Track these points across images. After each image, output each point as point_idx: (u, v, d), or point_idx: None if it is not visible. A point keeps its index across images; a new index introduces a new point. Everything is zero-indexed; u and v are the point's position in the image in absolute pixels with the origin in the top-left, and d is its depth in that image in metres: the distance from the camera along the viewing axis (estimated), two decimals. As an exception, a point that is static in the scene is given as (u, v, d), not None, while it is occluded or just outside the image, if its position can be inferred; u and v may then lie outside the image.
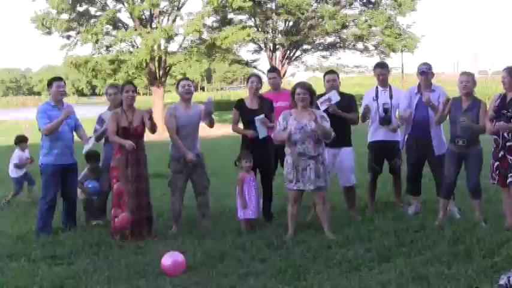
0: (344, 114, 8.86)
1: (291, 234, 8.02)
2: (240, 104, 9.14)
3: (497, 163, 7.96)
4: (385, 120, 9.19)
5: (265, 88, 10.53)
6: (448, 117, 8.44)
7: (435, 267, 6.36)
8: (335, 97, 8.73)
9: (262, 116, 8.68)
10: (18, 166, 12.09)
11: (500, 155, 7.91)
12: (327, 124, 7.97)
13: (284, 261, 6.89)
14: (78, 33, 36.48)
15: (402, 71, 52.69)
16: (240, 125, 9.09)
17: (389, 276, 6.18)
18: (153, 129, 8.64)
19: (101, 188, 9.51)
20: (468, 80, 8.25)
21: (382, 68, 9.57)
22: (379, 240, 7.51)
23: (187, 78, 9.37)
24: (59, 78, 9.31)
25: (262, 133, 8.69)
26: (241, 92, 71.34)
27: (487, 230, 7.70)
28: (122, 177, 8.42)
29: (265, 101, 9.08)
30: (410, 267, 6.37)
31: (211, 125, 9.09)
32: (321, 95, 8.86)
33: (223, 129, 26.78)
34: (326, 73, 9.39)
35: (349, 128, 9.11)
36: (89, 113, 38.33)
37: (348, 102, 9.09)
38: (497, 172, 7.98)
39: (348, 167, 9.05)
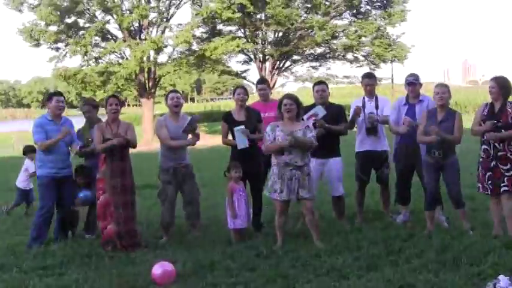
0: (332, 127, 8.94)
1: (279, 244, 8.06)
2: (227, 116, 9.20)
3: (489, 173, 7.96)
4: (372, 130, 9.25)
5: (254, 98, 10.60)
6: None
7: (423, 275, 6.39)
8: (321, 112, 8.80)
9: (241, 126, 8.74)
10: (32, 176, 12.00)
11: (492, 164, 7.91)
12: (310, 134, 8.02)
13: (273, 270, 6.92)
14: (66, 45, 36.57)
15: (392, 81, 52.91)
16: (230, 137, 9.12)
17: (377, 284, 6.22)
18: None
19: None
20: (444, 92, 8.28)
21: (369, 79, 9.62)
22: (368, 249, 7.53)
23: (176, 91, 9.46)
24: (59, 93, 9.38)
25: (241, 144, 8.72)
26: (232, 103, 71.44)
27: (474, 238, 7.75)
28: (107, 189, 8.47)
29: (252, 112, 9.13)
30: (399, 276, 6.39)
31: (194, 143, 9.14)
32: (308, 108, 8.93)
33: (213, 140, 26.84)
34: (315, 84, 9.45)
35: (338, 138, 9.18)
36: (79, 124, 38.20)
37: (337, 112, 9.17)
38: (489, 182, 8.00)
39: (336, 177, 9.12)
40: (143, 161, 16.93)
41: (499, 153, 7.83)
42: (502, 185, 7.85)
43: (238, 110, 9.09)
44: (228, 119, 9.12)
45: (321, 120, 8.75)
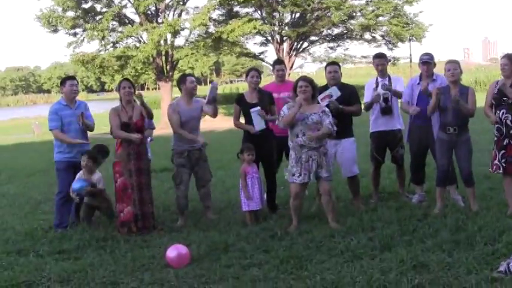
0: (346, 108, 8.93)
1: (295, 226, 8.09)
2: (240, 98, 9.23)
3: (502, 151, 7.95)
4: (386, 110, 9.24)
5: (268, 79, 10.59)
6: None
7: (436, 255, 6.40)
8: (336, 93, 8.75)
9: (258, 108, 8.74)
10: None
11: (505, 142, 7.90)
12: (327, 121, 8.01)
13: (287, 251, 6.96)
14: (84, 30, 36.54)
15: (410, 61, 52.56)
16: (242, 120, 9.18)
17: (390, 264, 6.22)
18: (150, 114, 8.84)
19: None
20: (455, 68, 8.27)
21: (380, 58, 9.60)
22: (382, 229, 7.54)
23: (193, 75, 9.60)
24: (72, 77, 9.49)
25: (259, 125, 8.75)
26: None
27: (489, 217, 7.72)
28: (124, 172, 8.53)
29: (264, 93, 9.14)
30: (412, 256, 6.39)
31: (214, 114, 9.23)
32: (321, 88, 8.91)
33: (230, 122, 26.86)
34: (327, 64, 9.44)
35: (350, 118, 9.14)
36: (99, 108, 38.49)
37: (350, 93, 9.14)
38: (503, 161, 7.97)
39: (350, 157, 9.09)
40: (161, 144, 16.96)
41: (511, 131, 7.79)
42: None
43: (251, 92, 9.11)
44: (240, 101, 9.15)
45: (334, 101, 8.71)
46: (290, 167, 8.17)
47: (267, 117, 8.81)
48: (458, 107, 8.01)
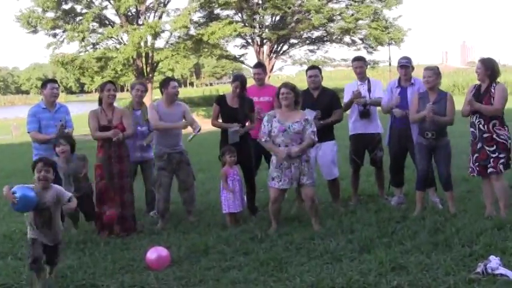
0: (328, 121, 9.03)
1: (274, 228, 8.10)
2: (220, 99, 9.21)
3: (476, 155, 8.07)
4: (364, 113, 9.30)
5: (249, 82, 10.61)
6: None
7: (415, 257, 6.47)
8: (310, 114, 8.73)
9: (236, 128, 8.80)
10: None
11: (478, 146, 8.01)
12: (309, 130, 8.00)
13: (267, 253, 6.99)
14: (64, 31, 36.43)
15: (390, 64, 52.89)
16: (219, 121, 9.19)
17: (369, 266, 6.28)
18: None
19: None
20: (430, 75, 8.37)
21: (358, 61, 9.69)
22: (361, 231, 7.59)
23: (175, 79, 9.62)
24: (54, 81, 9.44)
25: (232, 140, 8.80)
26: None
27: (466, 219, 7.82)
28: (106, 174, 8.49)
29: (246, 100, 9.09)
30: (391, 257, 6.44)
31: (182, 127, 9.32)
32: (303, 92, 8.93)
33: (210, 124, 26.80)
34: (308, 68, 9.49)
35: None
36: (78, 110, 38.26)
37: (331, 99, 9.20)
38: (476, 164, 8.09)
39: (330, 160, 9.15)
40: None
41: (484, 135, 7.95)
42: (488, 166, 7.96)
43: (233, 97, 9.07)
44: (221, 102, 9.13)
45: (314, 120, 8.70)
46: (270, 170, 8.19)
47: (241, 131, 8.86)
48: (433, 119, 8.13)
